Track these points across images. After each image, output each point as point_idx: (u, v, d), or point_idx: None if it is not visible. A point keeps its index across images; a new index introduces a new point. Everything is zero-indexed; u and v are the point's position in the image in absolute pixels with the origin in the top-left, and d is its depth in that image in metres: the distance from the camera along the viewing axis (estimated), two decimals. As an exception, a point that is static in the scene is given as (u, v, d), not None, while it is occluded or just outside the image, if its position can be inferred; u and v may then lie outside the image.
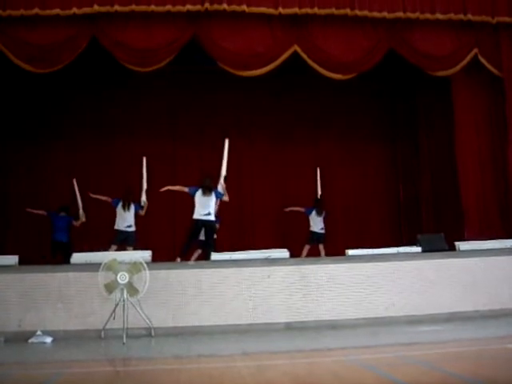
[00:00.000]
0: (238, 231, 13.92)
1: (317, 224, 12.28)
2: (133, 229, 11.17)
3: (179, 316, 8.90)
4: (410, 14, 10.68)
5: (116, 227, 11.13)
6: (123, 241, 11.08)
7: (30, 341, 8.33)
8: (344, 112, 14.55)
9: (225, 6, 10.19)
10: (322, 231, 12.29)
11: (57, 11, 9.98)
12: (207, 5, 10.18)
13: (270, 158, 14.48)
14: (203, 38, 10.69)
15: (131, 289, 8.34)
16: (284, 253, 9.61)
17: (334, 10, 10.50)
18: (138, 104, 13.88)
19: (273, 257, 9.46)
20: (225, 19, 10.52)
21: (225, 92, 13.83)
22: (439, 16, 10.76)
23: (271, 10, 10.36)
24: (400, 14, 10.65)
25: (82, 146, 13.84)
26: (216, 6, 10.22)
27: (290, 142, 14.43)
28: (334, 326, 8.90)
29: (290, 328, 8.94)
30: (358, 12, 10.46)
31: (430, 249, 9.92)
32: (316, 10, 10.47)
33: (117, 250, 10.54)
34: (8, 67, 10.70)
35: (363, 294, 9.21)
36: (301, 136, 14.43)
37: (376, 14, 10.55)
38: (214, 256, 9.46)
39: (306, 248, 12.09)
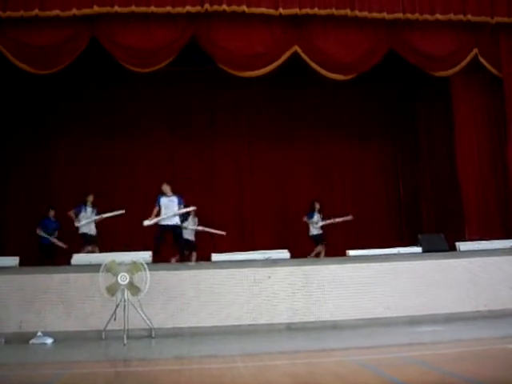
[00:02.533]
0: (238, 232, 13.90)
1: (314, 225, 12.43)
2: (80, 231, 11.40)
3: (179, 317, 8.91)
4: (409, 15, 10.69)
5: None
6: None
7: (30, 342, 8.33)
8: (344, 112, 14.61)
9: (225, 6, 10.19)
10: (320, 231, 12.41)
11: (56, 12, 9.98)
12: (207, 5, 10.17)
13: (269, 157, 14.49)
14: (203, 39, 10.69)
15: (133, 288, 8.34)
16: (284, 253, 9.62)
17: (334, 11, 10.50)
18: (138, 105, 13.91)
19: (273, 257, 9.46)
20: (225, 20, 10.52)
21: (225, 92, 13.85)
22: (439, 16, 10.77)
23: (271, 11, 10.36)
24: (399, 15, 10.66)
25: (81, 146, 13.90)
26: (216, 7, 10.21)
27: (290, 142, 14.46)
28: (334, 327, 8.91)
29: (291, 328, 8.94)
30: (357, 13, 10.47)
31: (430, 249, 9.93)
32: (316, 11, 10.46)
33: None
34: (8, 68, 10.71)
35: (364, 295, 9.21)
36: (301, 136, 14.46)
37: (376, 15, 10.56)
38: (215, 257, 9.47)
39: (323, 249, 12.20)
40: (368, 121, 14.68)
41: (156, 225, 10.44)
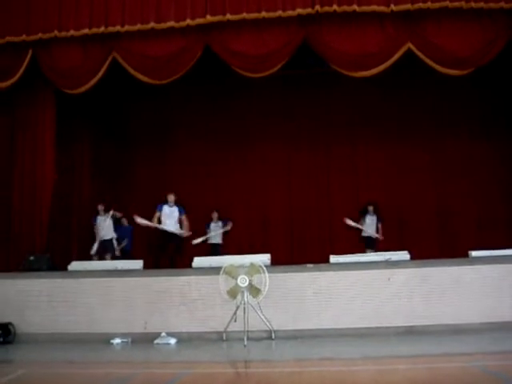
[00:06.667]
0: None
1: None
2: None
3: (299, 319, 8.95)
4: (530, 3, 10.12)
5: None
6: None
7: (155, 342, 8.68)
8: (463, 107, 14.00)
9: (335, 7, 10.08)
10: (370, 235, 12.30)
11: (171, 24, 10.31)
12: (317, 7, 10.11)
13: (386, 157, 14.24)
14: (314, 41, 10.63)
15: (253, 290, 8.49)
16: (405, 255, 9.42)
17: (448, 3, 10.10)
18: (251, 110, 14.14)
19: (393, 259, 9.30)
20: (335, 20, 10.38)
21: (338, 93, 13.79)
22: None
23: (382, 8, 10.12)
24: (520, 4, 10.11)
25: (196, 154, 14.32)
26: (326, 8, 10.13)
27: (411, 142, 14.10)
28: (456, 331, 8.58)
29: (411, 332, 8.73)
30: (473, 4, 10.01)
31: None
32: (429, 5, 10.09)
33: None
34: (125, 78, 11.26)
35: (487, 297, 8.81)
36: (417, 134, 14.05)
37: (492, 5, 10.02)
38: (333, 258, 9.44)
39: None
40: (490, 115, 14.01)
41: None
